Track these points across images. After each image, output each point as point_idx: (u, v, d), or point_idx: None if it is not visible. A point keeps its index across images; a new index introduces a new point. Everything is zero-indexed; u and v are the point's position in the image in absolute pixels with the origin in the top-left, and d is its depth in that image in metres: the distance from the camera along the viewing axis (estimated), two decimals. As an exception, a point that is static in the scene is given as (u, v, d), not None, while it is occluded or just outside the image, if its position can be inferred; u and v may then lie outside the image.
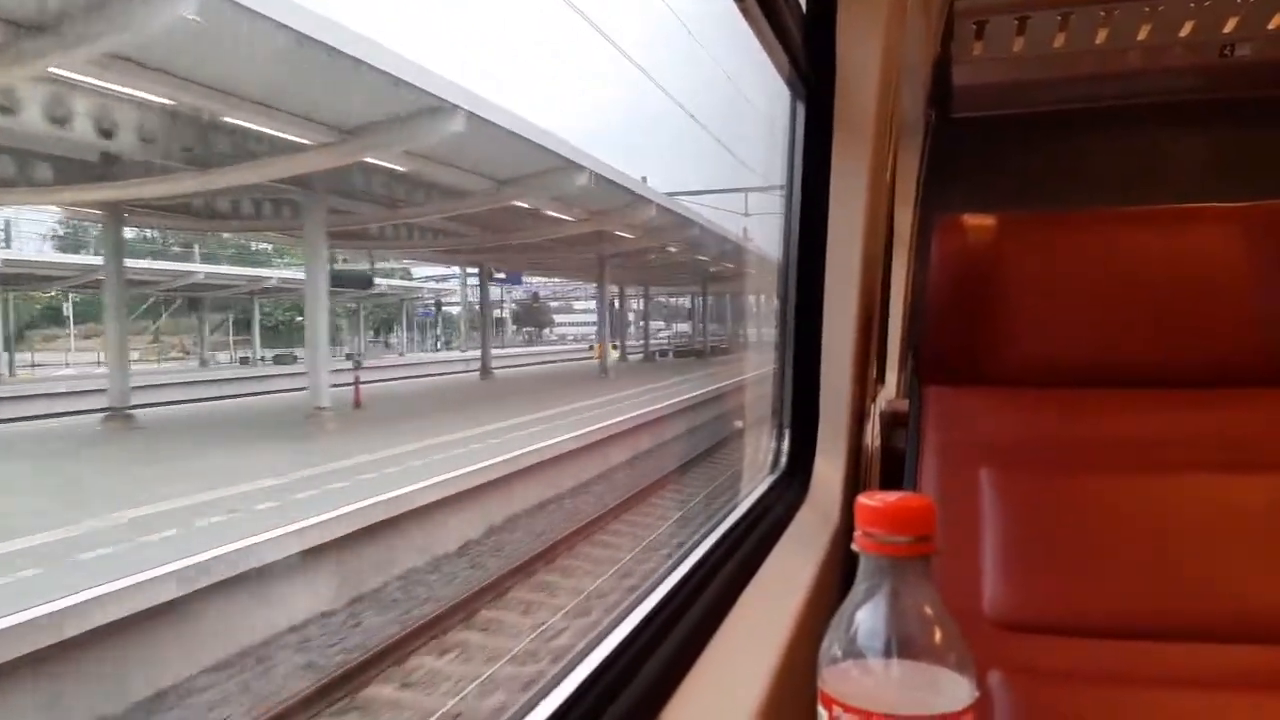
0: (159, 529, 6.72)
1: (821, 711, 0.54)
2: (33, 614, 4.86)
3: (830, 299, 1.48)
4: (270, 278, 29.97)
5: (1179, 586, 1.11)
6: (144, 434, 13.44)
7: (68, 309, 34.85)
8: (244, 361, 34.06)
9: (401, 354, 42.89)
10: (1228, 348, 1.26)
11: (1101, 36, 2.61)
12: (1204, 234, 1.31)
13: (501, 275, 23.35)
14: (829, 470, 1.48)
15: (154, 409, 16.07)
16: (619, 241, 21.85)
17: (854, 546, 0.54)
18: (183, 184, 11.90)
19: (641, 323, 43.92)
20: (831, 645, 0.54)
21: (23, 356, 30.86)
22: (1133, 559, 1.14)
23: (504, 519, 9.46)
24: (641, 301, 43.04)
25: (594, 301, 39.39)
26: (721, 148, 22.68)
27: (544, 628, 6.46)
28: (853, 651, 0.53)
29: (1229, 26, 2.55)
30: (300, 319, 41.31)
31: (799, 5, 1.31)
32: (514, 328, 59.96)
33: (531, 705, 0.72)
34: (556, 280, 47.14)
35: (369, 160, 12.28)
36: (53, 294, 31.81)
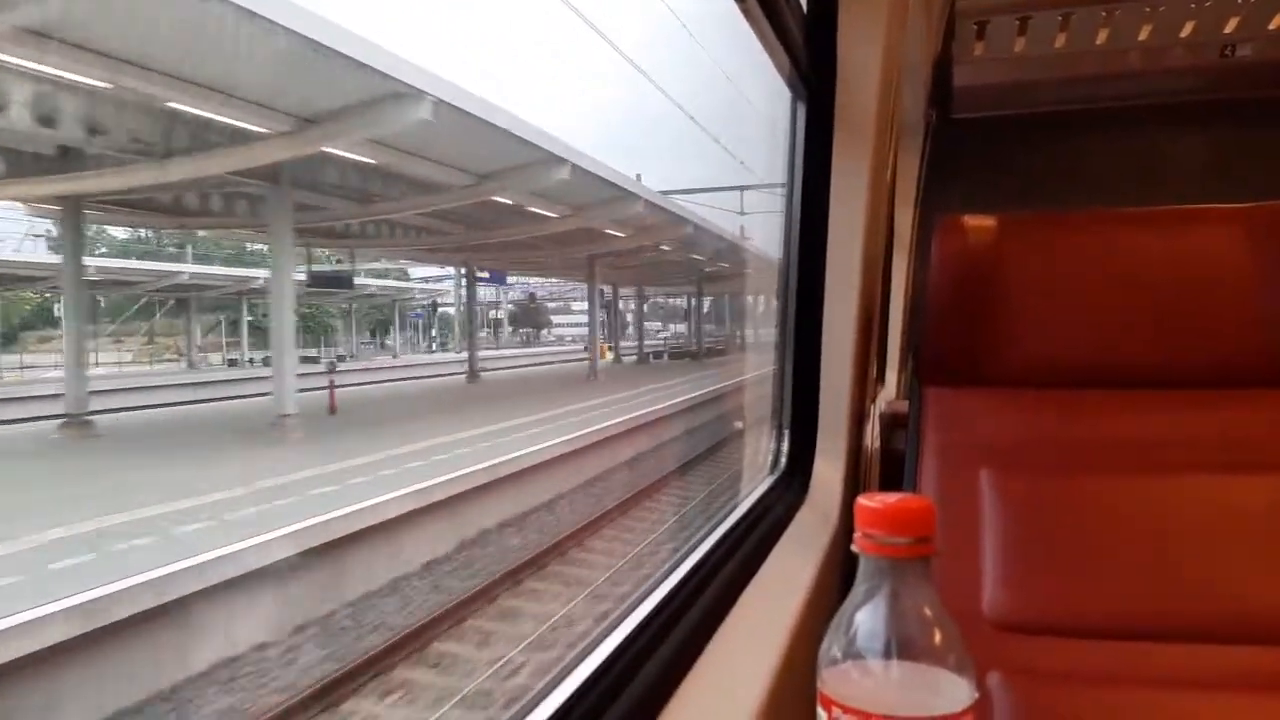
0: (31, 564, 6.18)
1: (821, 713, 0.54)
2: None
3: (830, 299, 1.48)
4: (257, 278, 29.09)
5: (1179, 587, 1.11)
6: (94, 443, 13.01)
7: (59, 309, 34.73)
8: (232, 363, 33.84)
9: (395, 355, 42.73)
10: (1228, 349, 1.26)
11: (1102, 37, 2.61)
12: (1205, 235, 1.31)
13: (484, 275, 23.13)
14: (829, 471, 1.48)
15: (119, 414, 15.78)
16: (609, 240, 21.54)
17: (854, 548, 0.54)
18: (136, 176, 11.45)
19: (637, 324, 43.59)
20: (831, 646, 0.54)
21: (14, 358, 30.67)
22: (1133, 560, 1.14)
23: (452, 547, 8.82)
24: (635, 302, 42.77)
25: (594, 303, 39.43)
26: (721, 148, 22.69)
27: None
28: (852, 653, 0.53)
29: (1230, 27, 2.55)
30: (294, 320, 41.32)
31: (800, 6, 1.31)
32: (510, 329, 59.96)
33: (532, 705, 0.73)
34: (554, 281, 47.04)
35: (335, 152, 11.89)
36: (44, 295, 31.59)
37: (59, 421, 13.61)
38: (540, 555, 8.51)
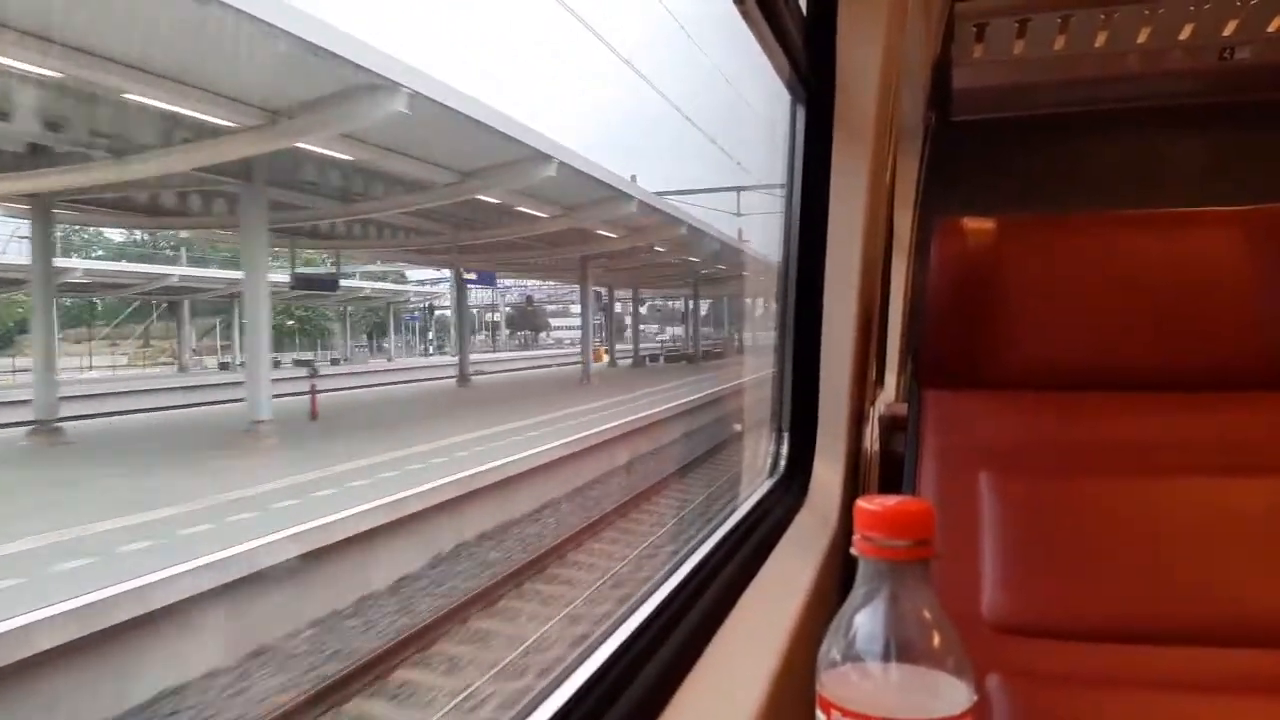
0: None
1: (820, 715, 0.54)
2: None
3: (830, 302, 1.48)
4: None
5: (1177, 590, 1.11)
6: (61, 451, 12.61)
7: (54, 312, 34.45)
8: (224, 367, 33.54)
9: (390, 359, 42.71)
10: (1227, 351, 1.26)
11: (1101, 39, 2.61)
12: (1204, 237, 1.31)
13: (472, 276, 22.97)
14: (828, 474, 1.48)
15: (95, 420, 15.47)
16: (601, 241, 21.27)
17: (853, 550, 0.54)
18: (98, 174, 11.06)
19: (635, 326, 43.49)
20: (830, 649, 0.54)
21: (7, 361, 30.46)
22: (1132, 563, 1.14)
23: (424, 562, 8.35)
24: (631, 305, 42.60)
25: (592, 305, 39.31)
26: (720, 150, 22.65)
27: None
28: (851, 655, 0.53)
29: (1229, 30, 2.56)
30: (291, 323, 41.30)
31: (799, 9, 1.32)
32: (508, 332, 59.91)
33: (532, 707, 0.73)
34: (551, 284, 47.03)
35: (309, 148, 11.43)
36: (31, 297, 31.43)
37: (27, 428, 13.25)
38: (518, 571, 8.12)
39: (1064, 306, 1.32)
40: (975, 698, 0.51)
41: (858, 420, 1.54)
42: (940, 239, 1.36)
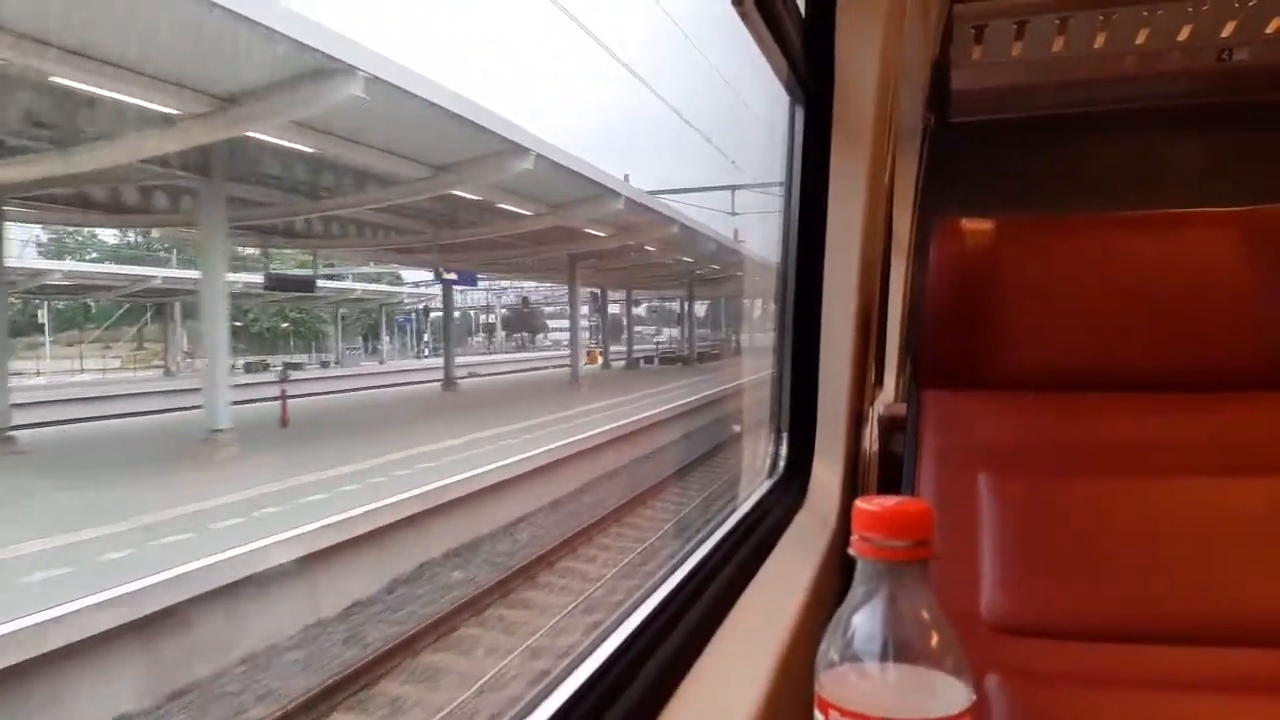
0: None
1: (818, 715, 0.54)
2: None
3: (829, 303, 1.48)
4: (236, 282, 27.51)
5: (1176, 590, 1.11)
6: (14, 460, 11.98)
7: (43, 315, 34.21)
8: None
9: (382, 361, 42.35)
10: (1225, 352, 1.27)
11: (1100, 41, 2.62)
12: (1201, 238, 1.32)
13: (453, 276, 22.70)
14: (827, 474, 1.48)
15: (58, 427, 14.99)
16: (590, 240, 20.65)
17: (851, 551, 0.54)
18: (36, 168, 10.41)
19: (629, 328, 42.96)
20: (828, 649, 0.54)
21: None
22: (1130, 563, 1.14)
23: (380, 587, 7.78)
24: (624, 306, 42.15)
25: (587, 306, 39.15)
26: (718, 151, 22.59)
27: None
28: (850, 655, 0.53)
29: (1226, 31, 2.57)
30: (285, 326, 41.15)
31: (798, 10, 1.32)
32: (505, 334, 59.79)
33: (531, 707, 0.73)
34: (548, 285, 46.85)
35: (264, 138, 10.65)
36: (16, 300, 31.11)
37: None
38: (479, 596, 7.58)
39: (1062, 307, 1.32)
40: (974, 697, 0.52)
41: (857, 421, 1.55)
42: (939, 240, 1.36)
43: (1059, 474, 1.23)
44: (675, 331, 49.71)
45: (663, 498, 11.60)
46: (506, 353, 51.71)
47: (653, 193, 20.20)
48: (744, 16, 1.12)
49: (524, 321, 58.37)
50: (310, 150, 11.70)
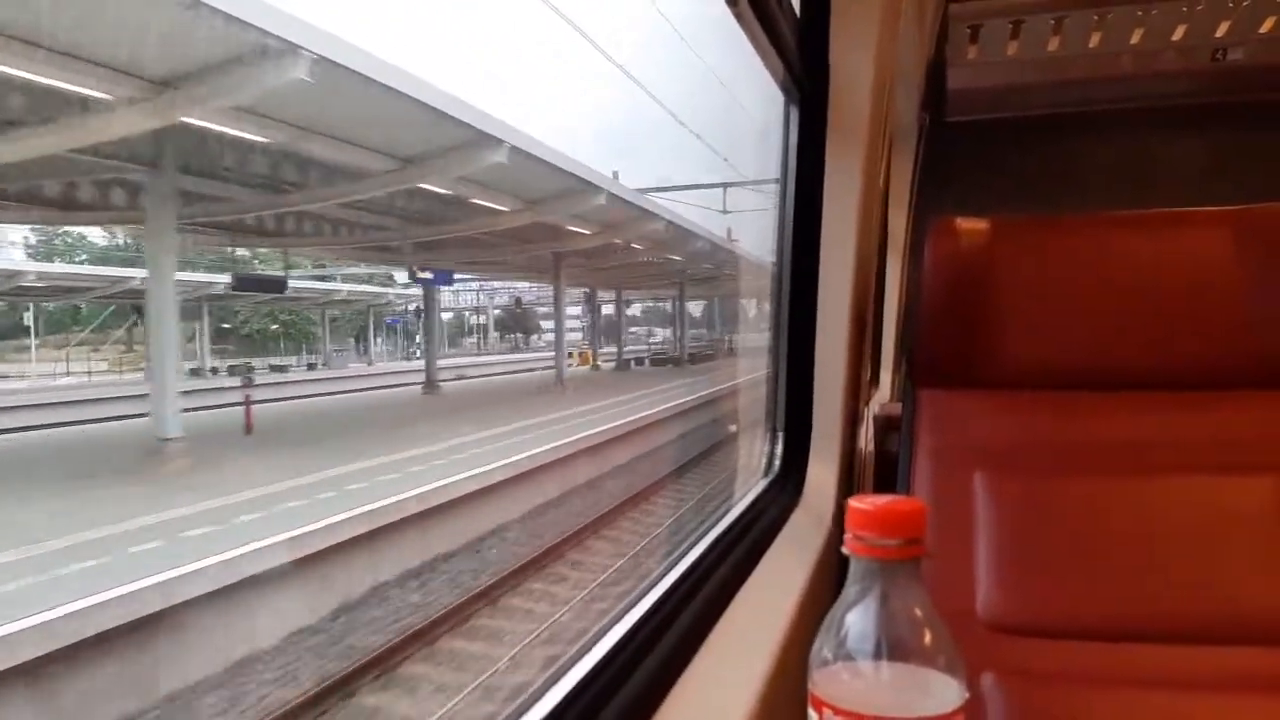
0: None
1: (812, 714, 0.54)
2: None
3: (824, 302, 1.48)
4: (217, 283, 26.71)
5: (1172, 589, 1.12)
6: None
7: (28, 318, 33.79)
8: (194, 373, 32.06)
9: (370, 363, 41.86)
10: (1220, 351, 1.27)
11: (1095, 41, 2.63)
12: (1197, 237, 1.32)
13: (428, 275, 22.38)
14: (822, 473, 1.48)
15: (16, 434, 14.41)
16: (573, 238, 20.03)
17: (844, 549, 0.55)
18: None
19: (620, 328, 42.51)
20: (822, 648, 0.55)
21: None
22: (1126, 561, 1.15)
23: (324, 614, 7.06)
24: (613, 306, 41.73)
25: (581, 307, 39.11)
26: (713, 151, 22.50)
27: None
28: (843, 654, 0.54)
29: (1221, 31, 2.57)
30: (275, 328, 40.92)
31: (793, 10, 1.32)
32: (498, 335, 59.65)
33: (526, 707, 0.73)
34: (543, 285, 46.72)
35: (211, 126, 9.98)
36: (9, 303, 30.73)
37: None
38: (432, 624, 6.92)
39: (1058, 306, 1.32)
40: (967, 695, 0.52)
41: (852, 420, 1.55)
42: (934, 239, 1.36)
43: (1054, 473, 1.23)
44: (668, 332, 49.61)
45: (619, 526, 10.46)
46: (499, 354, 51.48)
47: (644, 190, 19.85)
48: (739, 17, 1.13)
49: (517, 322, 58.20)
50: (263, 140, 10.87)
